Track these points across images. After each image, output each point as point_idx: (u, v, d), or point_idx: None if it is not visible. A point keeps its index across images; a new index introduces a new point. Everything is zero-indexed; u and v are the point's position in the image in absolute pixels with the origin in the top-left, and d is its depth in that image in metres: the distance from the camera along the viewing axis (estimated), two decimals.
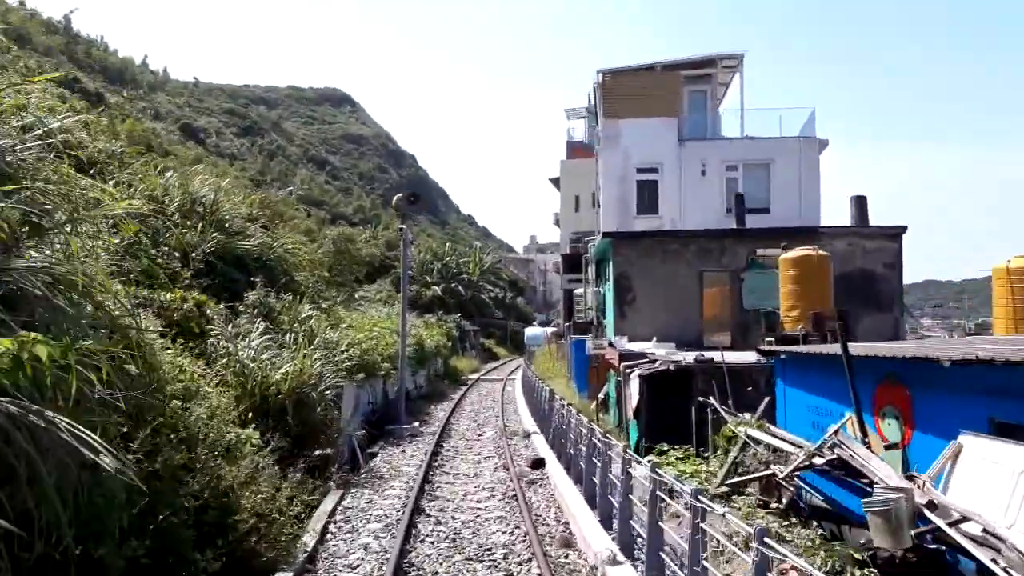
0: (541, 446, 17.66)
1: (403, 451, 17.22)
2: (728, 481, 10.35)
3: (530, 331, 54.63)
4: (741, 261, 23.89)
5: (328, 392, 13.97)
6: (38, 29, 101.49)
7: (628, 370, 17.38)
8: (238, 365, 12.88)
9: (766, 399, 12.25)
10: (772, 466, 10.36)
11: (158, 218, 18.02)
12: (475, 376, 42.05)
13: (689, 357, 16.55)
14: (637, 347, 21.94)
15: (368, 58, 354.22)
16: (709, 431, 12.74)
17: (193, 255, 17.34)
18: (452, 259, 70.04)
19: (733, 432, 11.51)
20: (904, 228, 23.77)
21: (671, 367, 15.82)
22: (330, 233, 40.96)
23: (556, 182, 65.99)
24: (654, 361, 17.25)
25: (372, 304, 43.20)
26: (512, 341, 73.55)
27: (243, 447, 8.99)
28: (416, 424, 20.08)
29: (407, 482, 14.15)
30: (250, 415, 12.32)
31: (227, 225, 19.50)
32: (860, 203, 23.74)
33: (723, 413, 12.38)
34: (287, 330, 15.79)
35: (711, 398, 12.97)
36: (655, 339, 22.31)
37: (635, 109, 31.54)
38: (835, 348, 10.54)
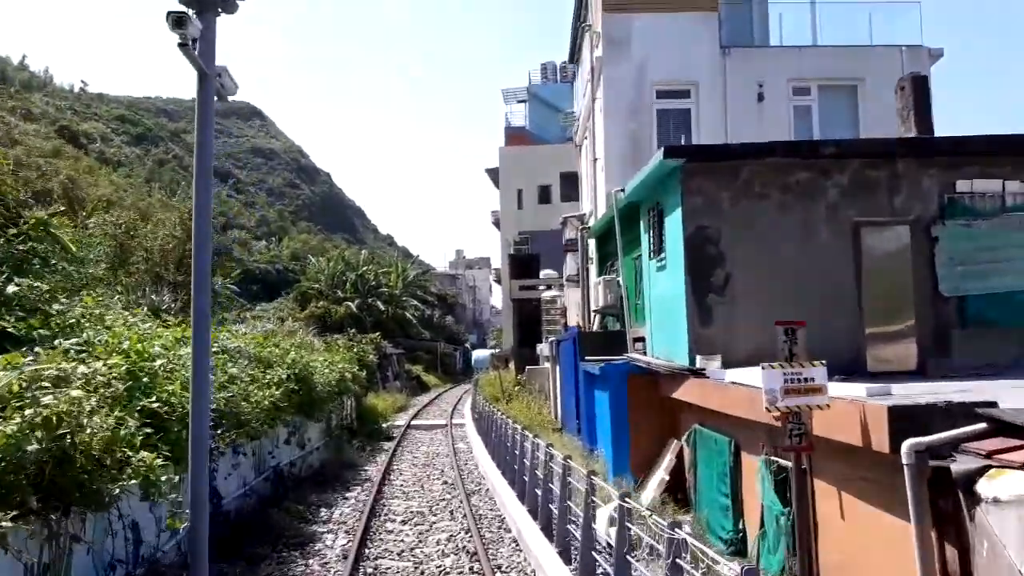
0: None
1: None
2: None
3: (478, 354, 41.86)
4: (930, 203, 11.84)
5: None
6: None
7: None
8: None
9: None
10: None
11: None
12: (403, 421, 28.38)
13: None
14: (743, 375, 9.75)
15: (280, 71, 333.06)
16: None
17: None
18: (370, 270, 56.56)
19: None
20: None
21: None
22: (175, 208, 27.23)
23: (494, 175, 53.42)
24: None
25: (261, 322, 29.77)
26: (443, 366, 60.24)
27: None
28: None
29: None
30: None
31: None
32: None
33: None
34: None
35: None
36: None
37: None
38: None
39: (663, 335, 13.06)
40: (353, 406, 23.13)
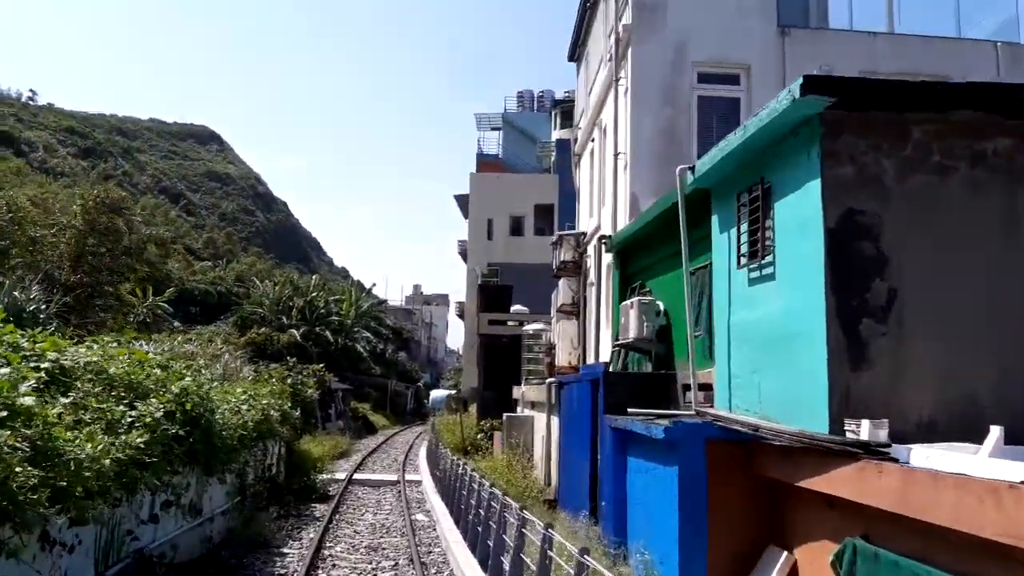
0: None
1: None
2: None
3: (436, 394, 36.87)
4: None
5: None
6: None
7: None
8: None
9: None
10: None
11: None
12: (344, 473, 22.79)
13: None
14: (955, 462, 5.04)
15: (240, 97, 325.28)
16: None
17: None
18: (320, 296, 51.06)
19: None
20: None
21: None
22: (81, 194, 21.76)
23: (463, 202, 48.77)
24: None
25: (179, 342, 24.14)
26: (393, 406, 54.57)
27: None
28: None
29: None
30: None
31: None
32: None
33: None
34: None
35: None
36: (998, 435, 5.36)
37: None
38: None
39: (758, 382, 8.32)
40: (281, 454, 17.82)
